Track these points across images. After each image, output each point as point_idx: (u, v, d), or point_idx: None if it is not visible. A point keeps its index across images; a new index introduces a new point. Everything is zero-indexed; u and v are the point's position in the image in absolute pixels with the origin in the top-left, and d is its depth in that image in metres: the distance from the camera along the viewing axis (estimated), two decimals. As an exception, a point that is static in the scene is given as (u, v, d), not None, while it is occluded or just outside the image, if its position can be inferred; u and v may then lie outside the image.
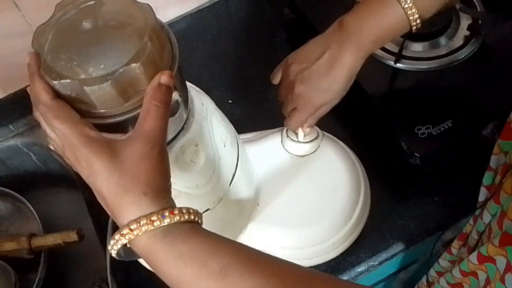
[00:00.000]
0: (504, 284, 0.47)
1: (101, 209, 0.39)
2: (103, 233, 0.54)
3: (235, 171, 0.57)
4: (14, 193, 0.82)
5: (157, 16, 0.40)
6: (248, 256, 0.37)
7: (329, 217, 0.64)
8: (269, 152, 0.66)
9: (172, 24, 0.90)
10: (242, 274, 0.35)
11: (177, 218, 0.36)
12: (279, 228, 0.64)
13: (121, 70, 0.36)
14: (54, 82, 0.37)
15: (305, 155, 0.65)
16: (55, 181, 0.89)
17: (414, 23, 0.52)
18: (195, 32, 0.91)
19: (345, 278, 0.66)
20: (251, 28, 0.91)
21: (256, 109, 0.81)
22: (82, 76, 0.37)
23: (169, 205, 0.37)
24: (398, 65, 0.71)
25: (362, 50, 0.54)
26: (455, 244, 0.64)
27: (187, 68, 0.86)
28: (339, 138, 0.69)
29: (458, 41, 0.72)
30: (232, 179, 0.57)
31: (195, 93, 0.51)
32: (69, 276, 0.83)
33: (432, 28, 0.72)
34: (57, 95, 0.38)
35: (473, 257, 0.53)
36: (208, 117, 0.51)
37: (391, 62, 0.71)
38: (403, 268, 0.83)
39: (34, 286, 0.72)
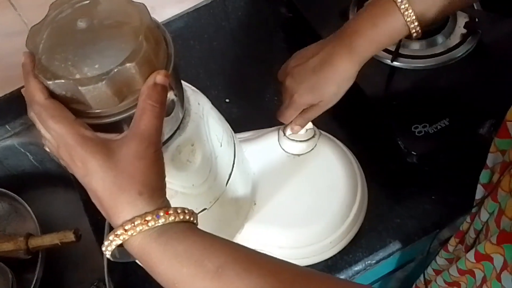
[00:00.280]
0: (501, 282, 0.47)
1: (98, 209, 0.39)
2: (100, 233, 0.54)
3: (232, 171, 0.57)
4: (11, 193, 0.82)
5: (155, 15, 0.40)
6: (244, 256, 0.37)
7: (326, 216, 0.64)
8: (266, 151, 0.66)
9: (169, 23, 0.90)
10: (239, 274, 0.35)
11: (171, 218, 0.36)
12: (276, 227, 0.64)
13: (116, 70, 0.36)
14: (49, 82, 0.37)
15: (302, 154, 0.65)
16: (52, 181, 0.89)
17: (414, 31, 0.52)
18: (192, 31, 0.91)
19: (342, 277, 0.66)
20: (248, 27, 0.91)
21: (253, 108, 0.81)
22: (77, 76, 0.36)
23: (164, 205, 0.37)
24: (395, 63, 0.71)
25: (357, 54, 0.54)
26: (452, 241, 0.64)
27: (184, 67, 0.86)
28: (336, 137, 0.69)
29: (455, 39, 0.72)
30: (228, 179, 0.56)
31: (191, 93, 0.51)
32: (66, 276, 0.83)
33: (429, 27, 0.72)
34: (52, 95, 0.38)
35: (471, 255, 0.53)
36: (205, 117, 0.51)
37: (388, 60, 0.71)
38: (400, 267, 0.83)
39: (32, 287, 0.71)
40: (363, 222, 0.67)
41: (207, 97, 0.55)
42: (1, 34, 0.75)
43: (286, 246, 0.64)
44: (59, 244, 0.73)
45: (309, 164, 0.65)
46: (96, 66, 0.36)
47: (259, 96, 0.81)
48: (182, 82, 0.48)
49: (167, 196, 0.39)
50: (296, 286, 0.35)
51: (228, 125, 0.59)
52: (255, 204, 0.64)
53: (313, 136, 0.65)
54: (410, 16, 0.51)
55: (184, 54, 0.88)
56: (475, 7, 0.75)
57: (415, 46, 0.73)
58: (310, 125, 0.64)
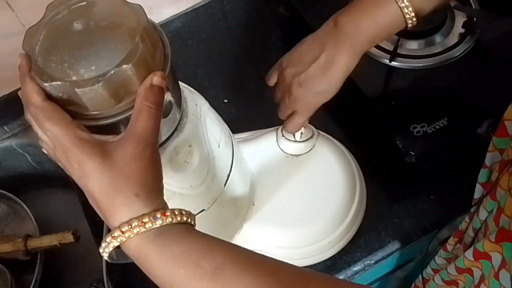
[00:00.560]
0: (498, 281, 0.47)
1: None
2: (99, 234, 0.54)
3: (230, 171, 0.57)
4: (10, 194, 0.82)
5: (152, 16, 0.40)
6: (242, 256, 0.36)
7: (325, 216, 0.63)
8: (264, 151, 0.66)
9: (167, 23, 0.90)
10: (236, 274, 0.35)
11: (169, 219, 0.36)
12: (275, 227, 0.64)
13: (112, 72, 0.36)
14: (45, 84, 0.37)
15: (300, 154, 0.65)
16: (51, 182, 0.89)
17: (410, 21, 0.52)
18: (190, 31, 0.91)
19: (341, 277, 0.66)
20: (247, 27, 0.91)
21: (252, 109, 0.80)
22: (74, 78, 0.36)
23: (161, 206, 0.37)
24: (393, 63, 0.71)
25: (357, 49, 0.54)
26: (451, 241, 0.64)
27: (182, 67, 0.86)
28: (334, 137, 0.69)
29: (453, 38, 0.72)
30: (227, 179, 0.56)
31: (188, 93, 0.51)
32: (65, 277, 0.83)
33: (427, 26, 0.72)
34: (48, 97, 0.38)
35: (469, 253, 0.53)
36: (202, 117, 0.51)
37: (386, 60, 0.71)
38: (400, 267, 0.83)
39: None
40: (362, 222, 0.67)
41: (205, 97, 0.55)
42: (-2, 35, 0.75)
43: (284, 246, 0.64)
44: (58, 245, 0.73)
45: (308, 164, 0.65)
46: (93, 67, 0.36)
47: (258, 96, 0.81)
48: (180, 82, 0.48)
49: (165, 197, 0.39)
50: (294, 286, 0.35)
51: (226, 125, 0.59)
52: (253, 204, 0.64)
53: (311, 137, 0.64)
54: (409, 12, 0.51)
55: (182, 54, 0.87)
56: (473, 6, 0.75)
57: (413, 45, 0.73)
58: (308, 125, 0.64)
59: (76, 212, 0.76)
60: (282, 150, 0.65)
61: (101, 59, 0.37)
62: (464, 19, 0.73)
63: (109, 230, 0.37)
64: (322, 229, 0.64)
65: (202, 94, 0.55)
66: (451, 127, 0.65)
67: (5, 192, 0.82)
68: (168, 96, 0.42)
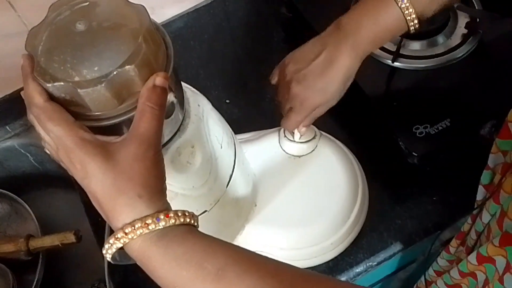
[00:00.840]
0: (503, 284, 0.47)
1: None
2: (100, 234, 0.54)
3: (232, 172, 0.57)
4: (11, 194, 0.82)
5: (154, 16, 0.40)
6: (244, 257, 0.36)
7: (327, 217, 0.63)
8: (266, 152, 0.66)
9: (169, 23, 0.90)
10: (239, 275, 0.35)
11: (172, 221, 0.36)
12: (277, 228, 0.64)
13: (115, 72, 0.36)
14: (48, 85, 0.37)
15: (302, 155, 0.65)
16: (52, 182, 0.89)
17: (412, 23, 0.52)
18: (192, 31, 0.91)
19: (343, 278, 0.66)
20: (249, 27, 0.91)
21: (254, 109, 0.80)
22: (76, 79, 0.36)
23: (164, 207, 0.37)
24: (396, 64, 0.71)
25: (359, 50, 0.54)
26: (453, 243, 0.63)
27: (184, 67, 0.86)
28: (336, 138, 0.69)
29: (456, 39, 0.72)
30: (229, 180, 0.56)
31: (191, 94, 0.51)
32: (67, 277, 0.83)
33: (429, 27, 0.72)
34: (51, 97, 0.38)
35: (473, 257, 0.52)
36: (204, 118, 0.51)
37: (388, 61, 0.71)
38: (402, 268, 0.83)
39: (32, 288, 0.72)
40: (364, 223, 0.67)
41: (207, 97, 0.55)
42: (1, 35, 0.75)
43: (287, 247, 0.63)
44: (60, 245, 0.73)
45: (310, 165, 0.65)
46: (95, 68, 0.36)
47: (260, 96, 0.81)
48: (182, 83, 0.48)
49: (167, 198, 0.39)
50: (296, 287, 0.35)
51: (228, 126, 0.58)
52: (255, 205, 0.64)
53: (313, 137, 0.64)
54: (410, 14, 0.51)
55: (184, 54, 0.87)
56: (476, 7, 0.74)
57: (416, 46, 0.73)
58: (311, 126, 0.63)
59: (78, 212, 0.76)
60: (284, 151, 0.65)
61: (103, 59, 0.37)
62: (467, 19, 0.73)
63: (111, 231, 0.37)
64: (324, 230, 0.64)
65: (204, 95, 0.55)
66: (453, 128, 0.65)
67: (7, 192, 0.82)
68: (170, 97, 0.42)
